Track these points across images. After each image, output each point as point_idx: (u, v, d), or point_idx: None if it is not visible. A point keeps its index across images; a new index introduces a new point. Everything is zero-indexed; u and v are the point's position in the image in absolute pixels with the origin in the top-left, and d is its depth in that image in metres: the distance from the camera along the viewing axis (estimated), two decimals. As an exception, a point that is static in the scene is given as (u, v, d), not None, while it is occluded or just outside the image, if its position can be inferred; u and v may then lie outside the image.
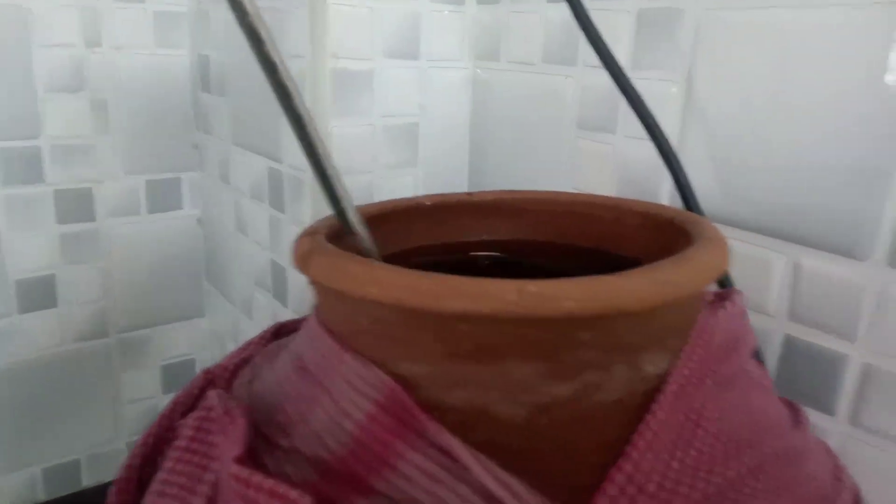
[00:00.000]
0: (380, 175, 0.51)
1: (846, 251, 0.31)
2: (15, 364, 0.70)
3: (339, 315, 0.23)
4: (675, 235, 0.27)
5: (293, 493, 0.18)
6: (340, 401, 0.21)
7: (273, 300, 0.61)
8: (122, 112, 0.70)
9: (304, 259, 0.23)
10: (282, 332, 0.32)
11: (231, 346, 0.75)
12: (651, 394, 0.21)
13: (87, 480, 0.76)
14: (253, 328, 0.68)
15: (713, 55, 0.36)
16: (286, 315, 0.57)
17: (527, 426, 0.20)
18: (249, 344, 0.32)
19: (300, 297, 0.56)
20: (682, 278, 0.20)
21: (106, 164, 0.71)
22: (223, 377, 0.29)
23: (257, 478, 0.18)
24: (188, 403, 0.28)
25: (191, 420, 0.24)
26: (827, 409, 0.32)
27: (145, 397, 0.79)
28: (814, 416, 0.33)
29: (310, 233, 0.26)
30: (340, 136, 0.48)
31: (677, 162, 0.34)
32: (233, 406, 0.23)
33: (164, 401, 0.80)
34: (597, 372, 0.20)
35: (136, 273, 0.75)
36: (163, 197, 0.74)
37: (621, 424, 0.20)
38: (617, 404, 0.20)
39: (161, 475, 0.23)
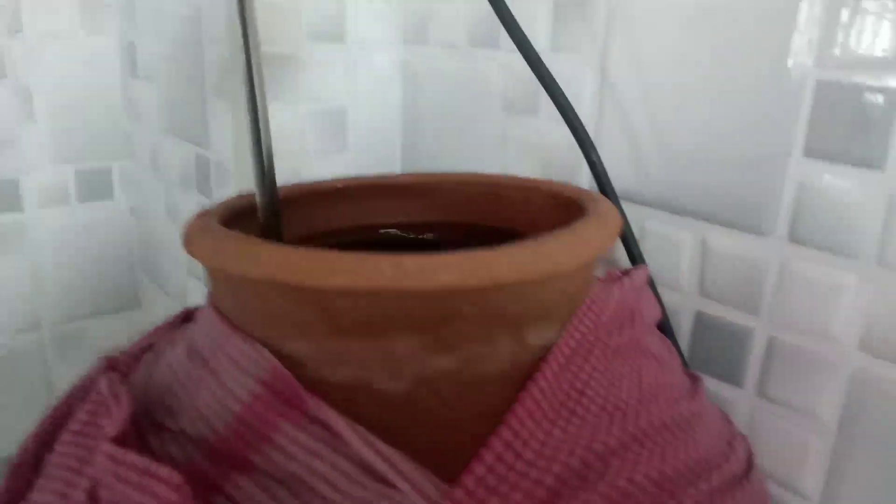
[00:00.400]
0: (308, 162, 0.50)
1: (750, 227, 0.32)
2: (-59, 362, 0.68)
3: (226, 296, 0.22)
4: (576, 212, 0.27)
5: (164, 471, 0.17)
6: (226, 381, 0.21)
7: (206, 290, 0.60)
8: (49, 100, 0.68)
9: (189, 240, 0.22)
10: (189, 317, 0.31)
11: (169, 339, 0.74)
12: (537, 365, 0.21)
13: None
14: (189, 319, 0.67)
15: (626, 37, 0.36)
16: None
17: (409, 400, 0.20)
18: (156, 330, 0.31)
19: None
20: (563, 251, 0.20)
21: (33, 153, 0.68)
22: (124, 362, 0.28)
23: (130, 457, 0.18)
24: (85, 388, 0.27)
25: (85, 405, 0.24)
26: (736, 381, 0.33)
27: (82, 393, 0.77)
28: (724, 389, 0.34)
29: (201, 215, 0.25)
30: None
31: (591, 144, 0.35)
32: (120, 391, 0.22)
33: (101, 396, 0.78)
34: (480, 344, 0.20)
35: (67, 265, 0.73)
36: (93, 187, 0.72)
37: (505, 396, 0.20)
38: (501, 375, 0.20)
39: (52, 458, 0.23)
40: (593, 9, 0.37)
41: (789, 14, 0.29)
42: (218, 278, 0.23)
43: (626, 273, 0.27)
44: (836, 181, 0.29)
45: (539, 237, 0.20)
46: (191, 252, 0.22)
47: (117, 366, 0.28)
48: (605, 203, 0.25)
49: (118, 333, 0.77)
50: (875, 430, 0.29)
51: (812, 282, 0.30)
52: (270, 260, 0.19)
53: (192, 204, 0.59)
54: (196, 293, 0.63)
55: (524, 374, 0.20)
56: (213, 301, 0.24)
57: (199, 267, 0.61)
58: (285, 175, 0.49)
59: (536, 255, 0.20)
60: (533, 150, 0.43)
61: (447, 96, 0.49)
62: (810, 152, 0.29)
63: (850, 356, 0.29)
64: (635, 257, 0.33)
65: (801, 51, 0.29)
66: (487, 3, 0.36)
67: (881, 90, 0.27)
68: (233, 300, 0.22)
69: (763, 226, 0.31)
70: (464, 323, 0.20)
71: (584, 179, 0.40)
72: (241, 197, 0.29)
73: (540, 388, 0.20)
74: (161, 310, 0.72)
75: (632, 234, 0.33)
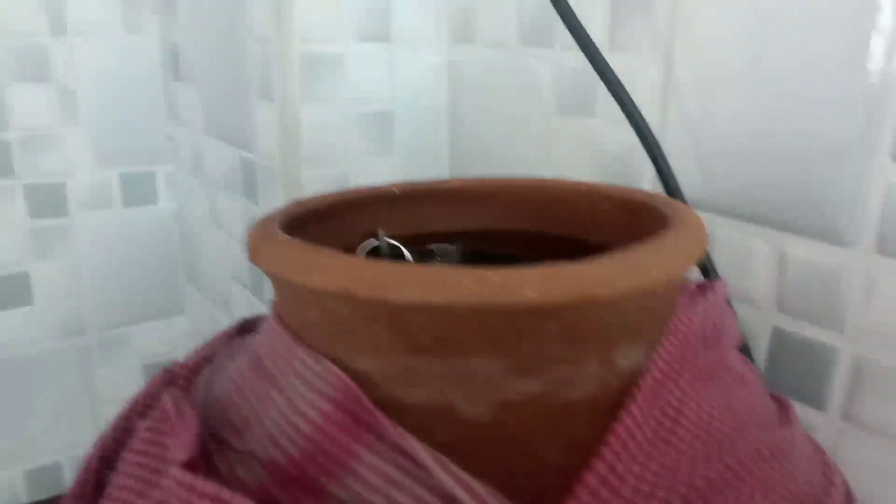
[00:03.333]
0: (354, 164, 0.49)
1: (831, 238, 0.30)
2: (-13, 363, 0.69)
3: (291, 307, 0.21)
4: (651, 220, 0.26)
5: (237, 499, 0.16)
6: (293, 398, 0.20)
7: (251, 296, 0.60)
8: (92, 102, 0.68)
9: (253, 248, 0.21)
10: (247, 328, 0.31)
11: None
12: (626, 389, 0.19)
13: (71, 482, 0.74)
14: (230, 324, 0.66)
15: (690, 35, 0.34)
16: (264, 311, 0.56)
17: (491, 425, 0.18)
18: (214, 341, 0.30)
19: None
20: (655, 263, 0.19)
21: (77, 156, 0.69)
22: (183, 375, 0.27)
23: (200, 483, 0.17)
24: (146, 403, 0.26)
25: (146, 422, 0.23)
26: (818, 404, 0.31)
27: (126, 397, 0.77)
28: (804, 411, 0.32)
29: (263, 221, 0.24)
30: (311, 123, 0.46)
31: (658, 147, 0.33)
32: (186, 407, 0.21)
33: (142, 399, 0.78)
34: (566, 367, 0.18)
35: (111, 269, 0.73)
36: (137, 190, 0.72)
37: (593, 423, 0.19)
38: (588, 401, 0.19)
39: (116, 479, 0.22)
40: (655, 6, 0.36)
41: (868, 15, 0.27)
42: (283, 288, 0.22)
43: (704, 287, 0.25)
44: (934, 188, 0.27)
45: (627, 249, 0.19)
46: (255, 261, 0.21)
47: (176, 378, 0.27)
48: (688, 211, 0.24)
49: (161, 339, 0.77)
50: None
51: (904, 296, 0.28)
52: (342, 271, 0.18)
53: (236, 208, 0.59)
54: (240, 299, 0.62)
55: (613, 400, 0.19)
56: (278, 311, 0.22)
57: (243, 272, 0.60)
58: (333, 179, 0.48)
59: (628, 269, 0.18)
60: (588, 153, 0.41)
61: (495, 96, 0.48)
62: (900, 156, 0.27)
63: (948, 377, 0.27)
64: (708, 269, 0.31)
65: (881, 52, 0.27)
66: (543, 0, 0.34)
67: None
68: (298, 312, 0.21)
69: (846, 235, 0.29)
70: (549, 342, 0.18)
71: (646, 184, 0.38)
72: (298, 203, 0.28)
73: (633, 417, 0.18)
74: (204, 316, 0.72)
75: (704, 243, 0.31)
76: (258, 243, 0.21)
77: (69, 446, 0.74)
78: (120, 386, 0.76)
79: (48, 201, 0.68)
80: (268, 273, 0.21)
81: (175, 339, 0.78)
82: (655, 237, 0.20)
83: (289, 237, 0.21)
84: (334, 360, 0.19)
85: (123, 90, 0.70)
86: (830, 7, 0.29)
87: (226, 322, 0.68)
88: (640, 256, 0.18)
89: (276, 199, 0.51)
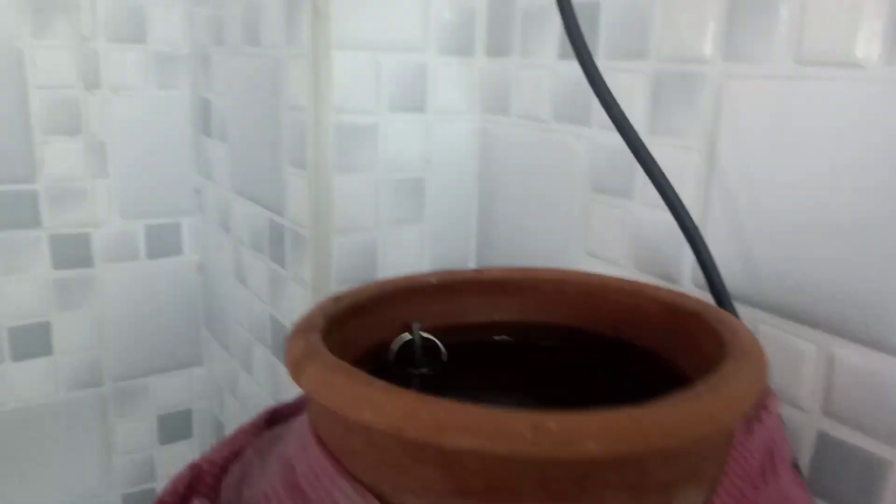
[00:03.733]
0: (384, 232, 0.49)
1: (884, 345, 0.28)
2: (7, 413, 0.68)
3: (332, 430, 0.21)
4: (701, 333, 0.25)
5: None
6: (334, 533, 0.19)
7: (272, 356, 0.59)
8: (121, 155, 0.69)
9: (296, 367, 0.21)
10: (275, 418, 0.30)
11: (229, 398, 0.73)
12: (685, 535, 0.18)
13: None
14: (251, 383, 0.65)
15: (736, 122, 0.34)
16: (283, 375, 0.55)
17: (545, 578, 0.17)
18: (240, 433, 0.29)
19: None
20: (721, 408, 0.18)
21: (103, 207, 0.69)
22: (211, 473, 0.26)
23: None
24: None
25: None
26: (865, 511, 0.30)
27: (141, 448, 0.76)
28: (851, 520, 0.30)
29: (303, 330, 0.23)
30: (343, 192, 0.46)
31: (699, 237, 0.32)
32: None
33: (159, 452, 0.78)
34: (624, 515, 0.17)
35: (132, 320, 0.73)
36: (162, 242, 0.72)
37: (652, 573, 0.18)
38: (647, 550, 0.18)
39: None
40: (701, 91, 0.35)
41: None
42: (326, 414, 0.21)
43: (758, 406, 0.24)
44: None
45: (690, 390, 0.18)
46: (299, 383, 0.20)
47: (204, 477, 0.26)
48: (743, 329, 0.23)
49: (179, 389, 0.77)
50: None
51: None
52: (390, 408, 0.17)
53: (262, 267, 0.58)
54: (261, 359, 0.61)
55: (672, 547, 0.18)
56: (314, 425, 0.22)
57: (265, 332, 0.60)
58: (363, 246, 0.48)
59: (692, 417, 0.17)
60: (624, 235, 0.41)
61: (527, 169, 0.47)
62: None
63: None
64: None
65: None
66: (579, 75, 0.34)
67: None
68: (342, 438, 0.20)
69: (899, 342, 0.28)
70: (607, 491, 0.17)
71: (686, 269, 0.37)
72: (337, 299, 0.27)
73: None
74: (223, 368, 0.72)
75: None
76: (301, 361, 0.21)
77: (84, 497, 0.73)
78: (135, 436, 0.76)
79: (73, 252, 0.68)
80: (314, 399, 0.20)
81: (193, 390, 0.78)
82: (718, 374, 0.19)
83: (335, 359, 0.20)
84: (379, 496, 0.19)
85: (153, 143, 0.70)
86: (873, 95, 0.28)
87: (246, 379, 0.67)
88: (704, 402, 0.18)
89: (304, 267, 0.50)
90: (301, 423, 0.24)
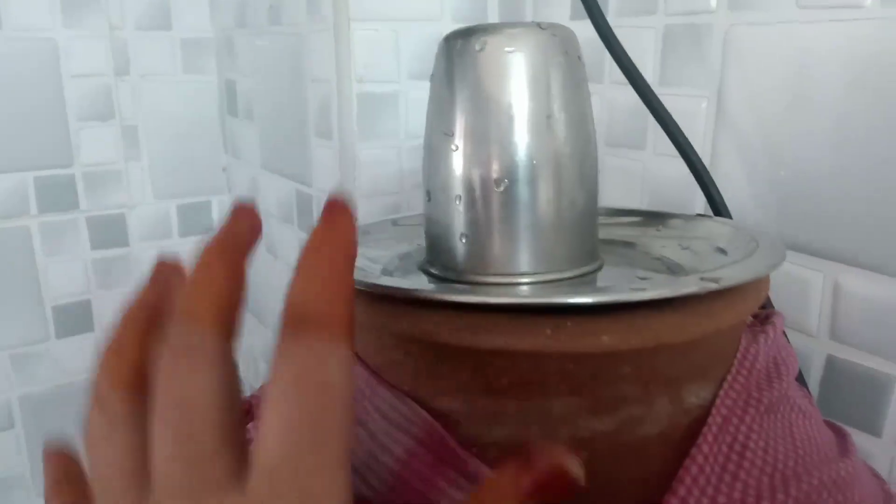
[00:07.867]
0: (407, 197, 0.51)
1: (886, 269, 0.30)
2: (53, 388, 0.72)
3: (373, 348, 0.23)
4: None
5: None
6: (378, 435, 0.21)
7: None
8: (153, 138, 0.72)
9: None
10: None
11: (264, 368, 0.75)
12: (694, 425, 0.20)
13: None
14: (284, 349, 0.68)
15: (743, 69, 0.35)
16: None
17: (567, 462, 0.19)
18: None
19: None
20: (725, 310, 0.20)
21: (137, 189, 0.72)
22: (258, 405, 0.29)
23: None
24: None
25: None
26: (873, 430, 0.32)
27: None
28: (859, 438, 0.32)
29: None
30: (367, 159, 0.48)
31: (710, 180, 0.34)
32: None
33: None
34: (638, 406, 0.19)
35: (168, 296, 0.75)
36: (193, 220, 0.75)
37: (664, 458, 0.20)
38: (659, 437, 0.20)
39: None
40: (706, 41, 0.37)
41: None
42: (363, 331, 0.23)
43: (760, 319, 0.26)
44: None
45: (697, 295, 0.20)
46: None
47: (250, 409, 0.28)
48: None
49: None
50: None
51: (962, 328, 0.28)
52: (430, 320, 0.20)
53: (292, 237, 0.61)
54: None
55: (682, 436, 0.20)
56: (356, 349, 0.24)
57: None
58: (387, 210, 0.50)
59: (700, 316, 0.19)
60: (637, 185, 0.42)
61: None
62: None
63: None
64: (765, 301, 0.32)
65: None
66: (593, 35, 0.36)
67: None
68: (381, 353, 0.22)
69: (901, 267, 0.30)
70: (623, 384, 0.19)
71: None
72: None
73: (703, 453, 0.19)
74: (258, 341, 0.74)
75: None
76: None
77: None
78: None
79: (110, 233, 0.71)
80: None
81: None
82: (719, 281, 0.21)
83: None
84: (417, 400, 0.21)
85: (182, 125, 0.73)
86: (875, 38, 0.29)
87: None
88: (711, 303, 0.20)
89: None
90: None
